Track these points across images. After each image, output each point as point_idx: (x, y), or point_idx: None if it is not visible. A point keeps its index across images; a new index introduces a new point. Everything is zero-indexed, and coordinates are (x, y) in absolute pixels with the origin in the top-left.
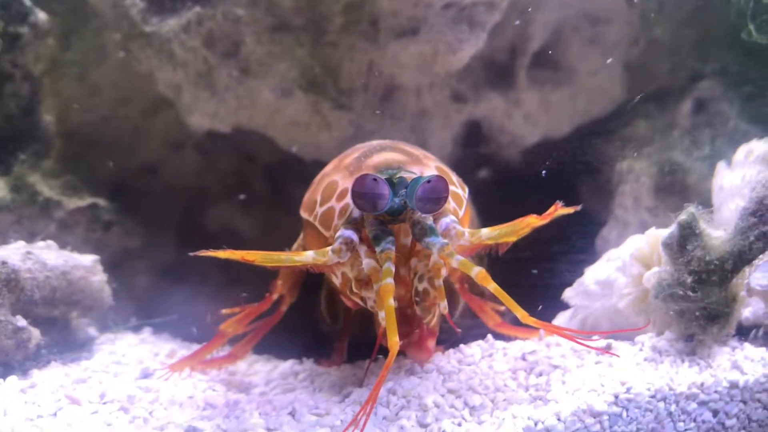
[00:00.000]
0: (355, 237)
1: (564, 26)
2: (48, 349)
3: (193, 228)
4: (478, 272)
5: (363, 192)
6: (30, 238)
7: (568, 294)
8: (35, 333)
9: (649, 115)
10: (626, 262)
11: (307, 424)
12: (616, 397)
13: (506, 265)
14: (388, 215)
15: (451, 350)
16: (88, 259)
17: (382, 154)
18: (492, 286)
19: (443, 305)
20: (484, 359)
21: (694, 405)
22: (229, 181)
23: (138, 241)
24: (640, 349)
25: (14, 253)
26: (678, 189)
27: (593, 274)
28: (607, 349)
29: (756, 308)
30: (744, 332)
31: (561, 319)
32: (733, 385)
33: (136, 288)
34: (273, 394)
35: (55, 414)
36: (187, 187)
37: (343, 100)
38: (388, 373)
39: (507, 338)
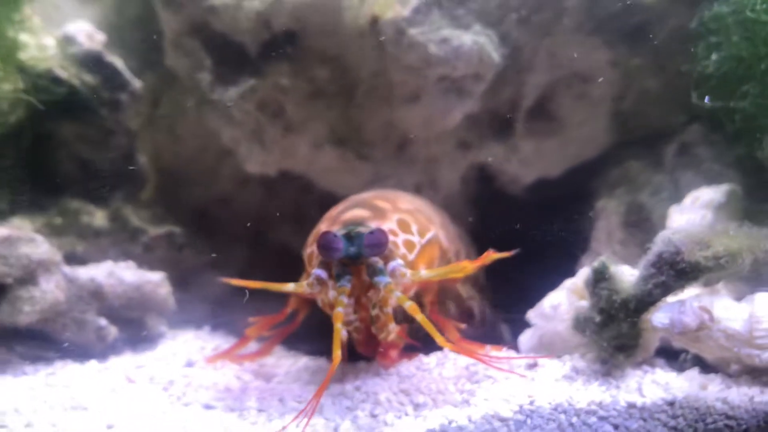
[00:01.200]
0: (324, 275)
1: (556, 84)
2: (124, 342)
3: (259, 247)
4: (409, 305)
5: (321, 245)
6: (122, 257)
7: (530, 314)
8: (113, 330)
9: (638, 157)
10: (568, 293)
11: (288, 408)
12: (521, 406)
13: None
14: (349, 259)
15: (414, 358)
16: (157, 276)
17: (353, 211)
18: (419, 317)
19: (392, 326)
20: (437, 367)
21: (594, 419)
22: (288, 210)
23: (207, 258)
24: (562, 367)
25: (101, 271)
26: (643, 226)
27: (550, 299)
28: (533, 365)
29: None
30: (673, 356)
31: (525, 335)
32: (631, 405)
33: (204, 296)
34: (283, 384)
35: (113, 389)
36: (253, 215)
37: (365, 151)
38: (330, 378)
39: None
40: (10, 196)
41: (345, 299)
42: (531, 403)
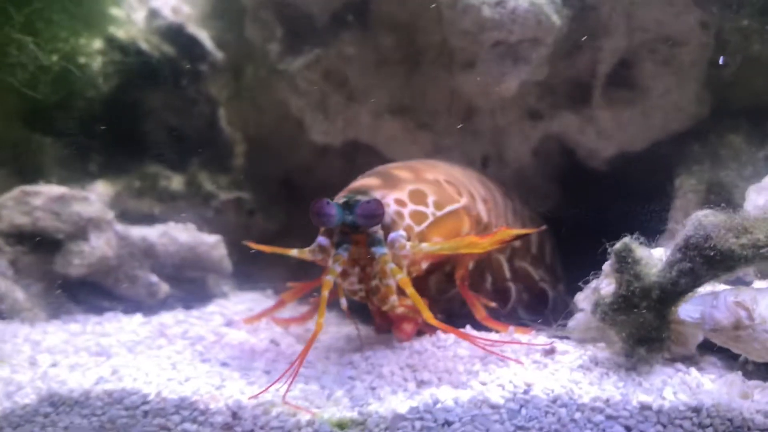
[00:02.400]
0: (326, 242)
1: (639, 49)
2: (179, 299)
3: None
4: (400, 278)
5: (314, 212)
6: (196, 219)
7: (577, 297)
8: (164, 287)
9: (737, 130)
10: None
11: (305, 376)
12: (515, 395)
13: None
14: (349, 228)
15: (433, 335)
16: (212, 238)
17: (365, 180)
18: (409, 291)
19: (392, 299)
20: (453, 345)
21: (601, 417)
22: None
23: (278, 224)
24: (581, 357)
25: (154, 231)
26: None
27: (596, 282)
28: (550, 352)
29: None
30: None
31: (573, 320)
32: (645, 407)
33: (271, 260)
34: (334, 350)
35: (143, 341)
36: (335, 184)
37: (426, 121)
38: (312, 344)
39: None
40: (99, 159)
41: (338, 268)
42: (526, 392)
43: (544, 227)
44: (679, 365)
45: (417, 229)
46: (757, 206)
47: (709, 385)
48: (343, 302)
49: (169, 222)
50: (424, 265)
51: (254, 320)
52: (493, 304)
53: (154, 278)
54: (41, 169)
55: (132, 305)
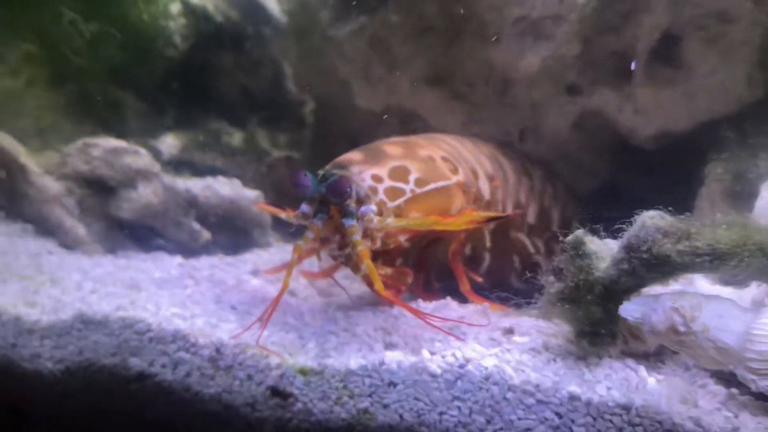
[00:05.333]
0: (307, 210)
1: (685, 25)
2: (220, 245)
3: None
4: (360, 249)
5: (292, 182)
6: (252, 176)
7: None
8: (206, 234)
9: None
10: None
11: (295, 323)
12: (451, 367)
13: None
14: (326, 198)
15: (417, 301)
16: (253, 194)
17: (349, 154)
18: (365, 263)
19: (363, 266)
20: (434, 312)
21: (532, 401)
22: None
23: None
24: (534, 340)
25: (198, 185)
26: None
27: None
28: (508, 331)
29: None
30: None
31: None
32: (574, 398)
33: None
34: (326, 304)
35: (171, 280)
36: None
37: (462, 91)
38: (278, 301)
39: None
40: (173, 113)
41: (311, 235)
42: (461, 366)
43: (511, 213)
44: (631, 362)
45: (390, 204)
46: (764, 205)
47: (652, 385)
48: (320, 265)
49: (228, 175)
50: (403, 239)
51: (273, 272)
52: (479, 279)
53: (196, 225)
54: (123, 121)
55: (178, 247)
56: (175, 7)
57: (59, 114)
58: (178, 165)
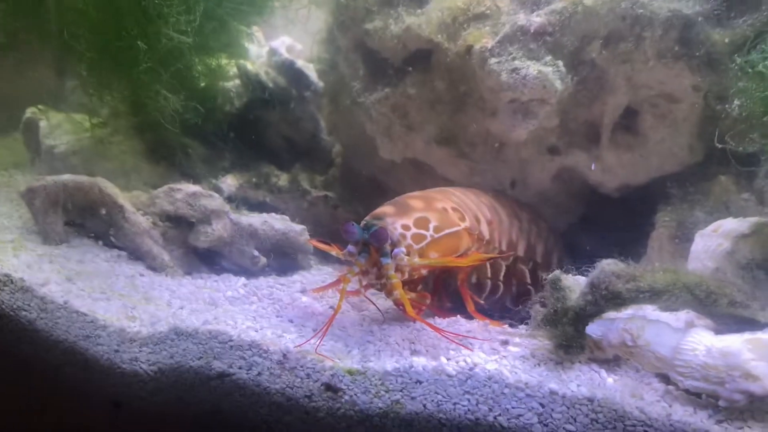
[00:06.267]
0: (353, 250)
1: (641, 104)
2: (274, 269)
3: None
4: (393, 282)
5: (343, 230)
6: (294, 210)
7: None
8: (263, 259)
9: (716, 178)
10: None
11: (329, 335)
12: (463, 369)
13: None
14: (368, 243)
15: (431, 319)
16: (299, 227)
17: (384, 207)
18: (399, 291)
19: (396, 293)
20: (445, 328)
21: (522, 395)
22: (428, 185)
23: (356, 215)
24: (524, 350)
25: (258, 220)
26: (686, 241)
27: None
28: (504, 343)
29: None
30: None
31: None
32: (553, 392)
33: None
34: (360, 319)
35: (239, 297)
36: (403, 184)
37: (464, 150)
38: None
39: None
40: (231, 158)
41: (356, 269)
42: (471, 369)
43: (505, 254)
44: (596, 366)
45: (416, 247)
46: (696, 250)
47: (610, 383)
48: (364, 292)
49: (273, 212)
50: (425, 272)
51: (319, 291)
52: (481, 302)
53: (256, 253)
54: (191, 164)
55: (241, 270)
56: (233, 70)
57: (139, 158)
58: (235, 200)
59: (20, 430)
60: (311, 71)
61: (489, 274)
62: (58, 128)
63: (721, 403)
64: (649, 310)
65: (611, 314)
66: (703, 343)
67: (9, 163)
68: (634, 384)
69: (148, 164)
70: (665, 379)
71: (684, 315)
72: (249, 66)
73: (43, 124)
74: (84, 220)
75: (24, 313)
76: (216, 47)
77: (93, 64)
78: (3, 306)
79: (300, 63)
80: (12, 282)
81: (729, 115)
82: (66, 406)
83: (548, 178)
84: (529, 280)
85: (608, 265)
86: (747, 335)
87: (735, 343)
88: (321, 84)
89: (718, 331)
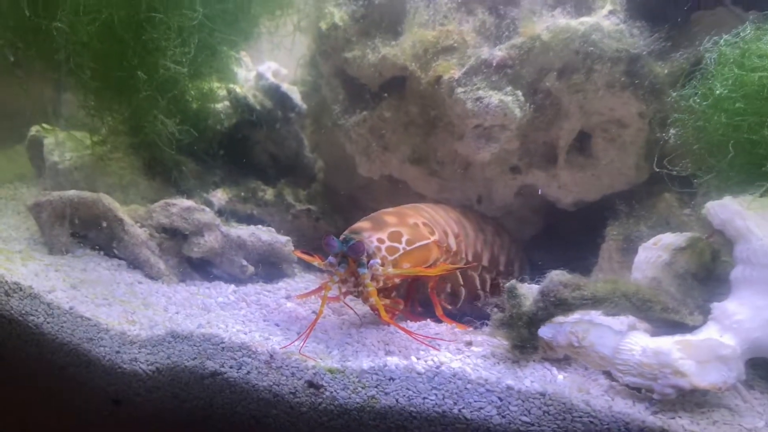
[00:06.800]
0: (333, 261)
1: (593, 129)
2: (261, 277)
3: None
4: (369, 290)
5: (324, 243)
6: (279, 223)
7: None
8: (251, 268)
9: (661, 195)
10: None
11: (319, 338)
12: (431, 368)
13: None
14: (344, 254)
15: (404, 323)
16: (284, 239)
17: (361, 222)
18: (374, 298)
19: (372, 300)
20: (417, 331)
21: (483, 390)
22: (402, 200)
23: (336, 228)
24: (486, 350)
25: (245, 232)
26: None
27: None
28: (468, 344)
29: None
30: None
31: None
32: (509, 388)
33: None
34: (337, 323)
35: (230, 303)
36: (380, 199)
37: (435, 169)
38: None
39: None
40: (220, 174)
41: (336, 278)
42: (437, 367)
43: (467, 265)
44: (548, 364)
45: (390, 258)
46: (639, 261)
47: (560, 380)
48: (344, 298)
49: (260, 224)
50: (398, 280)
51: (303, 297)
52: (449, 307)
53: (244, 262)
54: (183, 179)
55: (231, 278)
56: (223, 92)
57: (137, 174)
58: (225, 213)
59: (25, 425)
60: (295, 93)
61: (462, 282)
62: (62, 145)
63: (655, 396)
64: (595, 315)
65: (560, 318)
66: (639, 344)
67: (13, 176)
68: (582, 380)
69: (145, 179)
70: (609, 375)
71: (627, 319)
72: (238, 89)
73: (47, 141)
74: (87, 232)
75: (32, 318)
76: (207, 72)
77: (96, 91)
78: (12, 312)
79: (285, 87)
80: (21, 289)
81: (667, 141)
82: (69, 404)
83: (511, 194)
84: (494, 286)
85: (557, 275)
86: (677, 337)
87: (666, 344)
88: (304, 106)
89: (654, 334)
